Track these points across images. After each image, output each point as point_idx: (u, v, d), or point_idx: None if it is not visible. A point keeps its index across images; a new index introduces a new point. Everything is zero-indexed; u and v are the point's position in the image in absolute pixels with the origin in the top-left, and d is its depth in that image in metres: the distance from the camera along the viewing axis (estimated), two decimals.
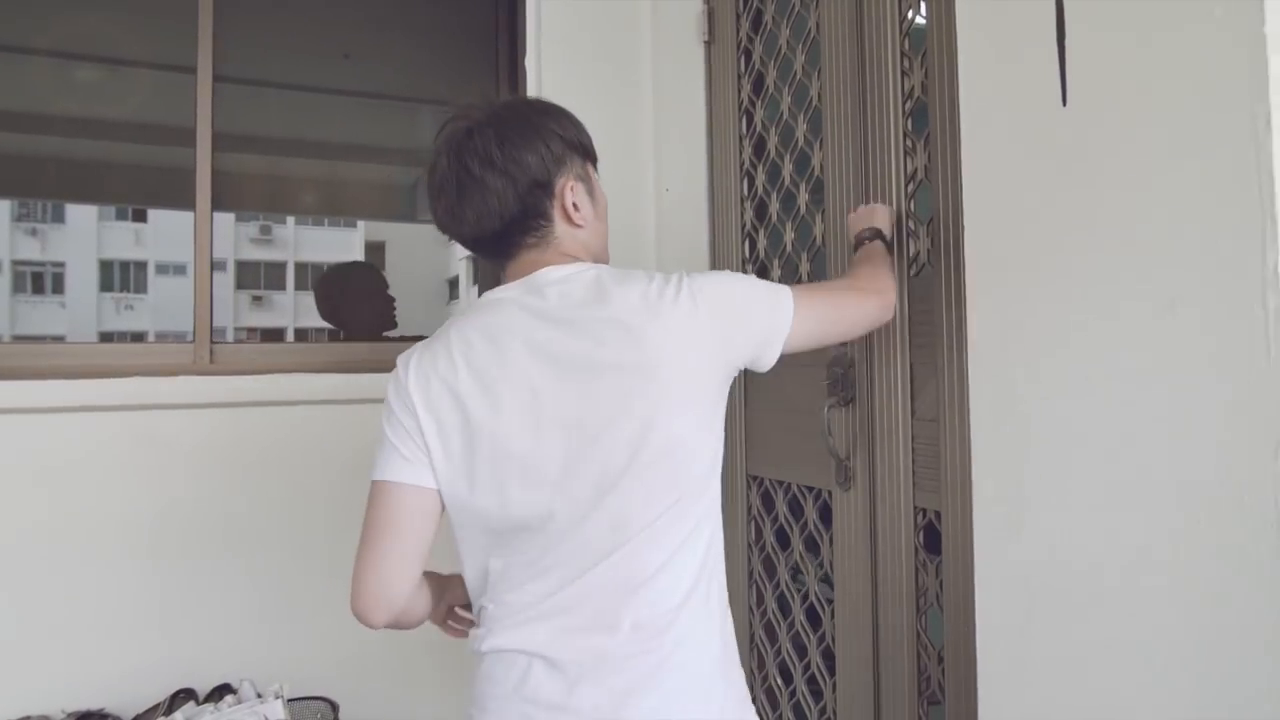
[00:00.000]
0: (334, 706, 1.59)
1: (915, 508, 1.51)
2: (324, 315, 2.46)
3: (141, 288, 25.34)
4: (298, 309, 25.70)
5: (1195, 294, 0.96)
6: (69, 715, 1.60)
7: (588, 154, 1.22)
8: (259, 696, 1.44)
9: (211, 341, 1.89)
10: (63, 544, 1.70)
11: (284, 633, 1.77)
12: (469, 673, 1.13)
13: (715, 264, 2.13)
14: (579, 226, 1.18)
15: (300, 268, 26.79)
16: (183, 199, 1.87)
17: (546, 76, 2.07)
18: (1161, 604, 1.00)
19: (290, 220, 25.53)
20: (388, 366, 1.14)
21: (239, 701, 1.44)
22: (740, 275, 1.21)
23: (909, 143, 1.53)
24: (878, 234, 1.50)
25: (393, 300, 2.51)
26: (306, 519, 1.80)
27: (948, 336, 1.40)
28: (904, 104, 1.54)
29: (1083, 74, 1.09)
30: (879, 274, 1.42)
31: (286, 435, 1.76)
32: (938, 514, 1.46)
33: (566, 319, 1.09)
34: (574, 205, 1.16)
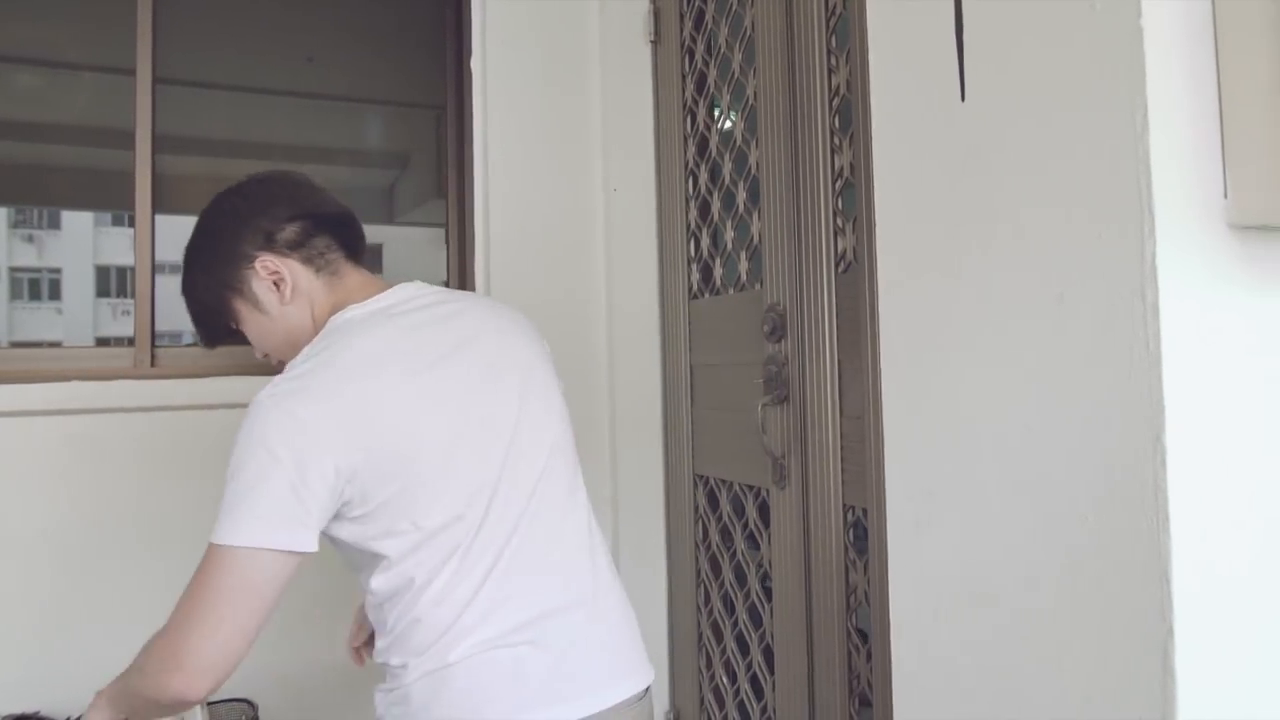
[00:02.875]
0: (253, 706, 1.59)
1: (844, 505, 1.51)
2: None
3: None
4: None
5: (1081, 288, 0.96)
6: (3, 718, 1.59)
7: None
8: None
9: (153, 345, 1.88)
10: None
11: None
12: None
13: (663, 263, 2.13)
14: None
15: None
16: (124, 202, 1.87)
17: (492, 78, 2.06)
18: (1051, 598, 1.00)
19: None
20: None
21: None
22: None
23: (835, 140, 1.53)
24: None
25: None
26: None
27: (869, 334, 1.40)
28: (831, 101, 1.54)
29: (979, 69, 1.09)
30: None
31: (226, 439, 1.75)
32: (865, 511, 1.46)
33: None
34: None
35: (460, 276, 2.36)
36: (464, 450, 1.10)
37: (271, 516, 0.97)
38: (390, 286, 1.20)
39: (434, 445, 1.07)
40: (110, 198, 2.39)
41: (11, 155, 2.15)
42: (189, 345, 2.04)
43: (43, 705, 1.64)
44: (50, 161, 2.17)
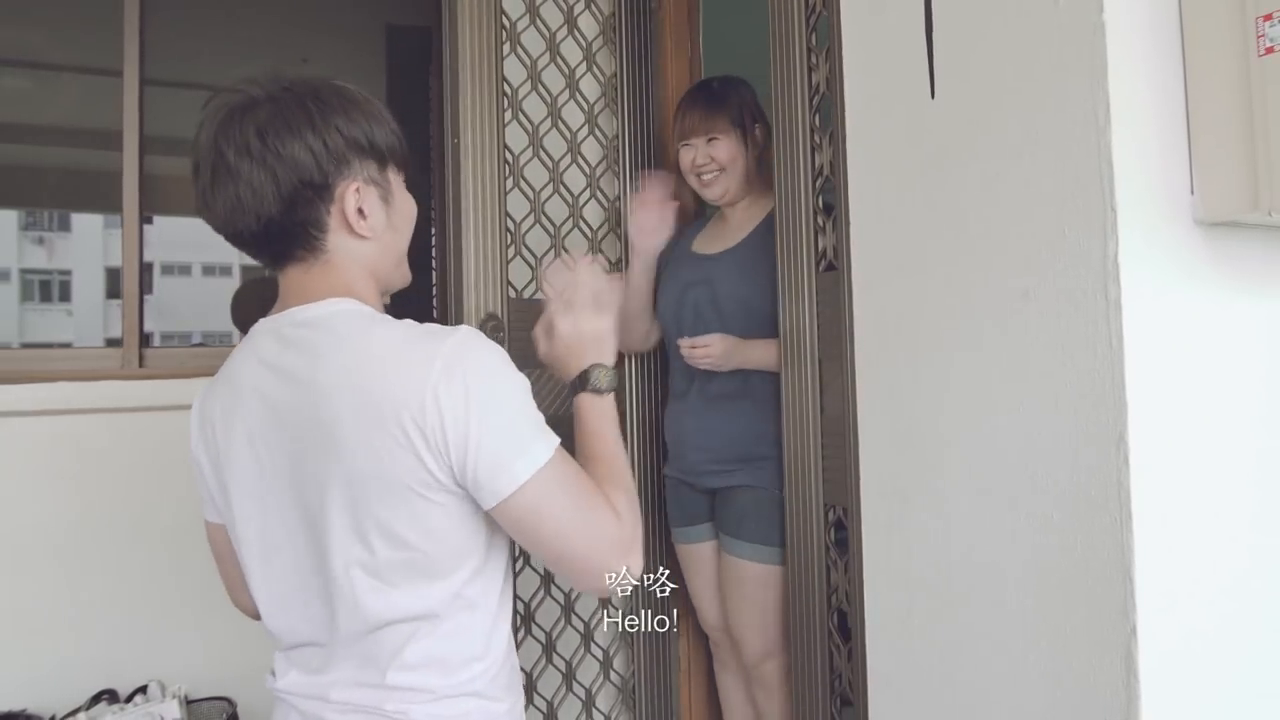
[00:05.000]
0: (231, 704, 1.60)
1: (825, 505, 1.51)
2: (236, 324, 2.50)
3: (148, 289, 25.45)
4: None
5: (1046, 285, 0.95)
6: None
7: (387, 156, 1.01)
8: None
9: (141, 345, 1.89)
10: None
11: (211, 633, 1.77)
12: None
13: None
14: (363, 238, 0.99)
15: None
16: (112, 203, 1.88)
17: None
18: (1019, 598, 0.99)
19: None
20: None
21: (148, 702, 1.45)
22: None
23: (815, 139, 1.52)
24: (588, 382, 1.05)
25: None
26: None
27: (849, 333, 1.40)
28: (811, 99, 1.53)
29: (948, 67, 1.08)
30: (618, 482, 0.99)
31: None
32: (845, 511, 1.45)
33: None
34: (359, 211, 0.97)
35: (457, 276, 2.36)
36: None
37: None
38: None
39: None
40: (98, 199, 2.41)
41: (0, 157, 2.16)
42: (177, 346, 2.05)
43: (29, 703, 1.66)
44: (38, 163, 2.18)
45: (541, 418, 0.94)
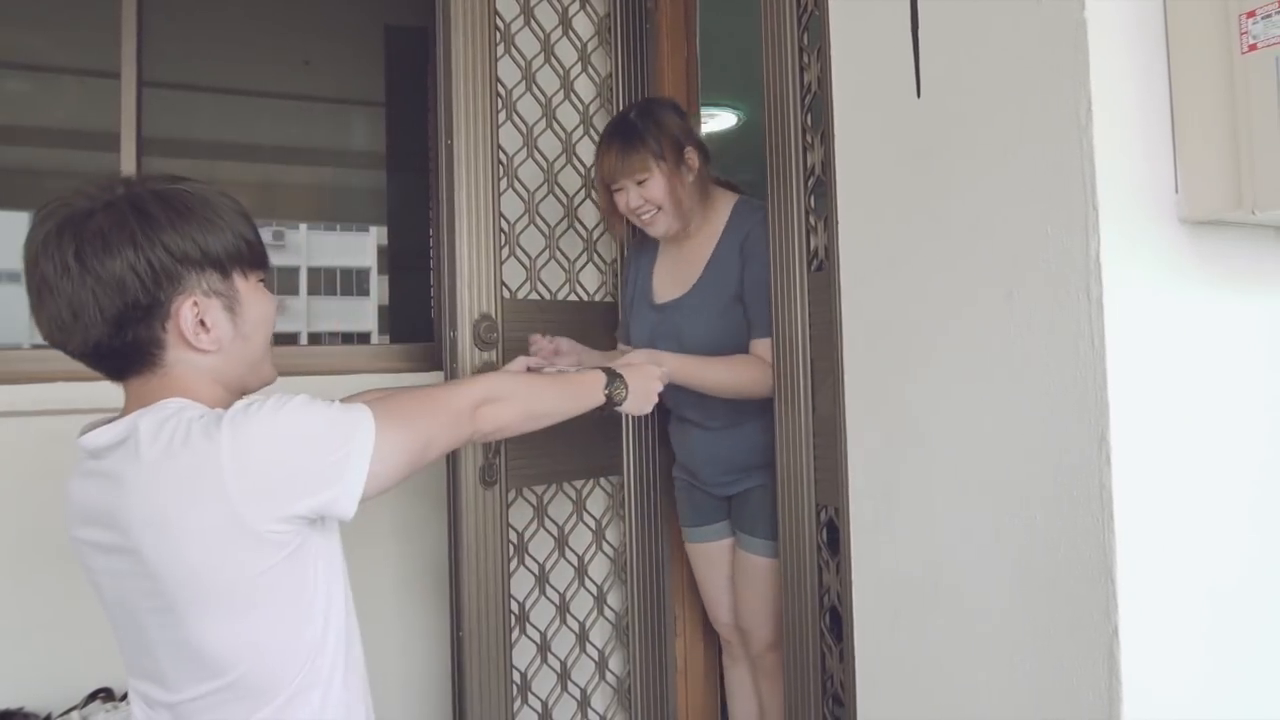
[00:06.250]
0: None
1: (817, 505, 1.50)
2: None
3: None
4: (310, 314, 25.92)
5: (1029, 285, 0.95)
6: None
7: (229, 264, 0.96)
8: None
9: None
10: None
11: None
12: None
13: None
14: (206, 351, 0.95)
15: (313, 273, 27.02)
16: None
17: None
18: (1004, 599, 0.99)
19: (303, 226, 25.74)
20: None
21: None
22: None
23: (807, 138, 1.52)
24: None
25: None
26: None
27: (839, 332, 1.39)
28: (803, 98, 1.53)
29: (934, 65, 1.08)
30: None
31: None
32: (836, 511, 1.45)
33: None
34: (200, 323, 0.94)
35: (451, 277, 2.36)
36: None
37: None
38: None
39: None
40: None
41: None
42: None
43: (26, 701, 1.66)
44: (38, 165, 2.20)
45: (337, 407, 0.95)
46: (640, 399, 1.37)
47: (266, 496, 0.88)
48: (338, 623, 0.99)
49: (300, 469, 0.90)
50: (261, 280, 1.02)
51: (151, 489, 0.88)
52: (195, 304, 0.94)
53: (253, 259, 1.00)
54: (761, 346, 1.64)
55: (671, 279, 1.80)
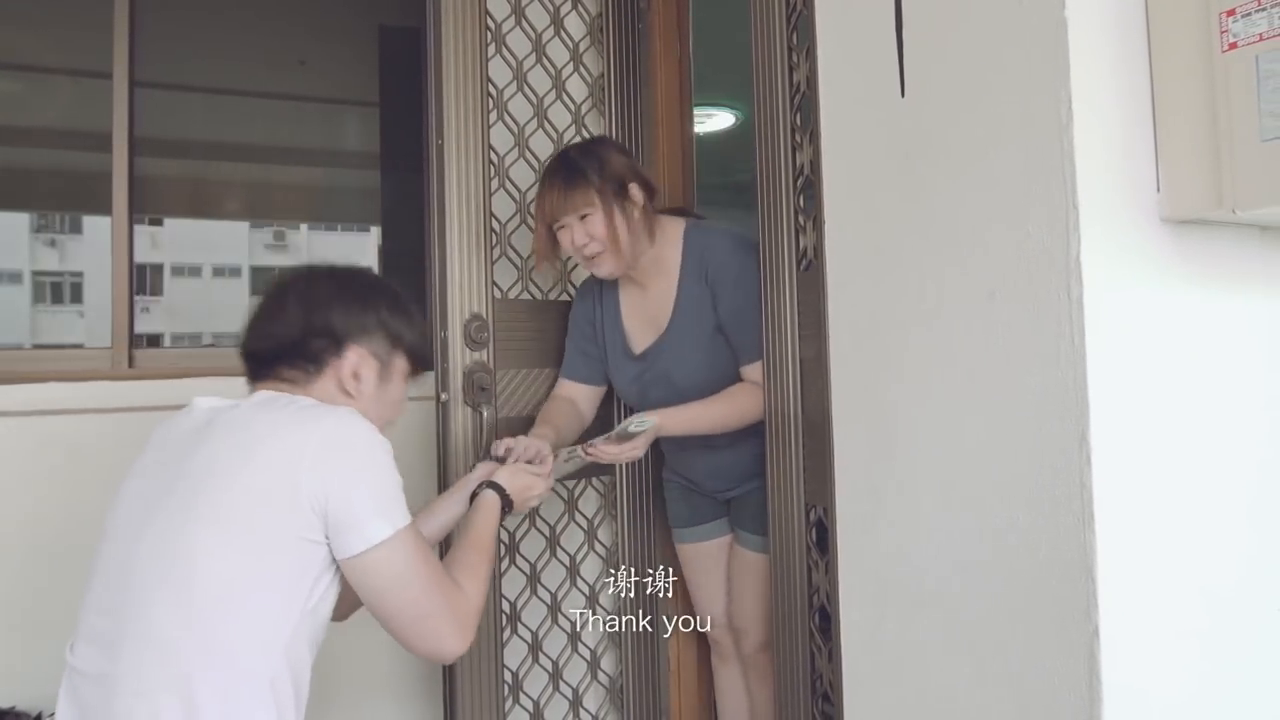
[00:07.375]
0: None
1: (806, 505, 1.50)
2: None
3: (158, 290, 25.69)
4: None
5: (1011, 284, 0.95)
6: None
7: (398, 342, 1.21)
8: None
9: (131, 346, 1.91)
10: None
11: None
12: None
13: None
14: (349, 395, 1.16)
15: None
16: (103, 205, 1.89)
17: None
18: (987, 598, 0.99)
19: (303, 226, 25.76)
20: None
21: None
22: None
23: (796, 138, 1.52)
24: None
25: None
26: None
27: (826, 332, 1.39)
28: (792, 98, 1.53)
29: (917, 64, 1.08)
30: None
31: None
32: (825, 510, 1.45)
33: None
34: (354, 374, 1.16)
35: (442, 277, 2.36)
36: None
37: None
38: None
39: None
40: (89, 201, 2.43)
41: None
42: (188, 347, 2.06)
43: (18, 701, 1.66)
44: (31, 166, 2.20)
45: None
46: (519, 496, 1.43)
47: (322, 483, 1.04)
48: (300, 651, 1.07)
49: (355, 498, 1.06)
50: (412, 377, 1.27)
51: (258, 419, 1.09)
52: (361, 355, 1.17)
53: (419, 357, 1.26)
54: (753, 371, 1.63)
55: (643, 324, 1.78)
